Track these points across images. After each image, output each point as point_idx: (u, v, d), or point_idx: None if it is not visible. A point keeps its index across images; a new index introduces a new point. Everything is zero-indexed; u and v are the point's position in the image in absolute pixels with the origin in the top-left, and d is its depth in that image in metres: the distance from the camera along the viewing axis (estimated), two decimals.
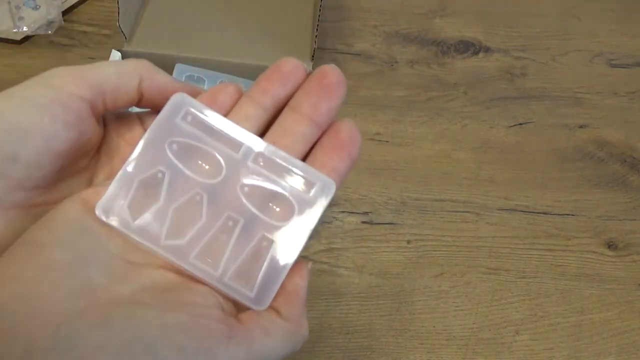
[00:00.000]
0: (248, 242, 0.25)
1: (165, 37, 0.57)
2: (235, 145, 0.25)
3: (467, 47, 0.74)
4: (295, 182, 0.25)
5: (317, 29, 0.55)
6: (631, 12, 0.81)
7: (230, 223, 0.24)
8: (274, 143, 0.26)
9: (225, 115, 0.26)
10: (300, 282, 0.26)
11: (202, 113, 0.25)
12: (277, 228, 0.25)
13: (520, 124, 0.66)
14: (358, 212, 0.56)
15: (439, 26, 0.76)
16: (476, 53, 0.73)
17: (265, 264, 0.25)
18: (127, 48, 0.55)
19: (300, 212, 0.25)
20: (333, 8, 0.76)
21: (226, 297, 0.25)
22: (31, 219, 0.24)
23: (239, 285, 0.24)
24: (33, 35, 0.66)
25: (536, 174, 0.61)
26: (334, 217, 0.56)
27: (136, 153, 0.25)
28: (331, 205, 0.56)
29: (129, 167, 0.25)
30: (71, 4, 0.70)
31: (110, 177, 0.25)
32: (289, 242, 0.25)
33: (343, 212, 0.56)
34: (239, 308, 0.25)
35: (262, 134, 0.26)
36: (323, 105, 0.26)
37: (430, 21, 0.77)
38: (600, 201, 0.60)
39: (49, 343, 0.20)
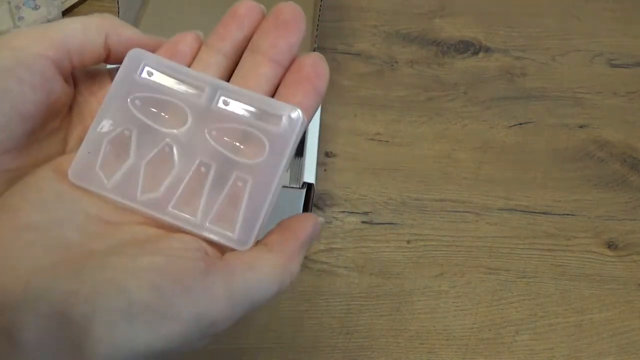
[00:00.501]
0: (224, 185, 0.24)
1: (165, 37, 0.57)
2: (197, 91, 0.25)
3: (467, 47, 0.74)
4: (262, 118, 0.25)
5: (317, 29, 0.55)
6: (631, 12, 0.81)
7: (203, 169, 0.24)
8: None
9: (188, 65, 0.26)
10: (302, 224, 0.26)
11: (161, 65, 0.25)
12: (251, 167, 0.24)
13: (520, 124, 0.66)
14: (358, 212, 0.56)
15: (439, 26, 0.76)
16: (476, 53, 0.73)
17: (244, 203, 0.24)
18: None
19: (272, 147, 0.24)
20: (333, 8, 0.76)
21: (211, 243, 0.24)
22: (5, 185, 0.24)
23: (220, 228, 0.24)
24: None
25: (536, 174, 0.61)
26: (334, 217, 0.56)
27: (100, 113, 0.25)
28: (331, 205, 0.56)
29: (95, 129, 0.25)
30: (71, 4, 0.70)
31: (84, 136, 0.25)
32: (264, 178, 0.24)
33: (343, 212, 0.56)
34: (225, 252, 0.25)
35: (226, 81, 0.26)
36: (282, 42, 0.26)
37: (430, 21, 0.77)
38: (600, 201, 0.60)
39: (20, 296, 0.20)
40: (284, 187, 0.46)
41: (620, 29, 0.79)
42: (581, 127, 0.67)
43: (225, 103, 0.25)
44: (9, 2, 0.66)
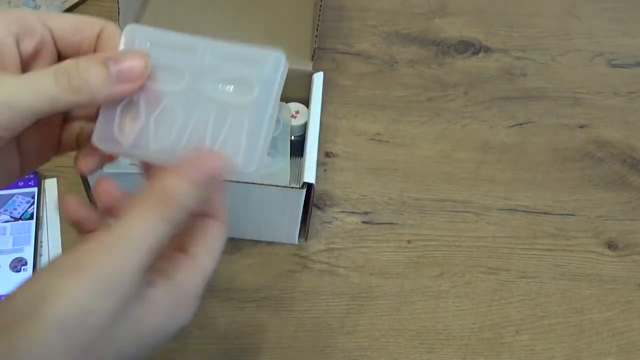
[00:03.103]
0: (224, 124, 0.28)
1: None
2: (188, 50, 0.28)
3: (467, 47, 0.74)
4: (249, 65, 0.28)
5: (317, 29, 0.55)
6: (631, 12, 0.81)
7: (204, 115, 0.28)
8: None
9: None
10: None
11: (153, 34, 0.28)
12: (245, 105, 0.28)
13: (520, 124, 0.66)
14: (358, 212, 0.56)
15: (439, 26, 0.76)
16: (476, 53, 0.73)
17: (244, 135, 0.28)
18: None
19: (262, 86, 0.28)
20: (333, 8, 0.76)
21: None
22: None
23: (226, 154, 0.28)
24: None
25: (536, 174, 0.61)
26: (334, 217, 0.56)
27: None
28: (331, 205, 0.56)
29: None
30: (71, 4, 0.70)
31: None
32: (258, 111, 0.28)
33: (343, 212, 0.56)
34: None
35: None
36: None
37: (430, 21, 0.77)
38: (600, 201, 0.60)
39: None
40: (284, 187, 0.46)
41: (620, 29, 0.79)
42: (581, 127, 0.67)
43: (215, 55, 0.28)
44: (9, 2, 0.66)
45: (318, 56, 0.57)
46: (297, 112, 0.58)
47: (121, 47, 0.28)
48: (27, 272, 0.48)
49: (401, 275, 0.52)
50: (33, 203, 0.52)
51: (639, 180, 0.62)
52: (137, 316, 0.24)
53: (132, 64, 0.27)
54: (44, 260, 0.49)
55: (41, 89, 0.25)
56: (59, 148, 0.31)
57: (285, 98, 0.58)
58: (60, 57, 0.29)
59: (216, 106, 0.28)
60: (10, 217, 0.51)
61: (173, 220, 0.25)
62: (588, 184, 0.61)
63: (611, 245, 0.56)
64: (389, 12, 0.77)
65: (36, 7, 0.66)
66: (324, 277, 0.51)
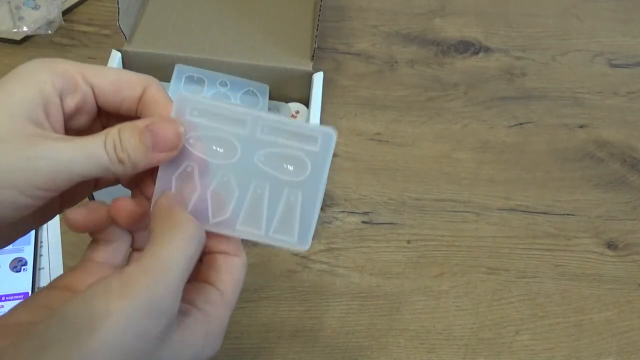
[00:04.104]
0: (278, 201, 0.29)
1: (165, 37, 0.57)
2: (241, 123, 0.28)
3: (467, 47, 0.74)
4: (300, 140, 0.28)
5: (317, 29, 0.55)
6: (631, 12, 0.81)
7: (259, 190, 0.29)
8: None
9: None
10: None
11: (204, 104, 0.28)
12: (299, 183, 0.29)
13: (520, 124, 0.66)
14: (358, 212, 0.56)
15: (439, 26, 0.76)
16: (476, 53, 0.73)
17: (298, 214, 0.29)
18: (127, 48, 0.55)
19: (313, 164, 0.29)
20: (333, 8, 0.76)
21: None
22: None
23: (283, 236, 0.29)
24: (33, 35, 0.66)
25: (536, 174, 0.61)
26: (334, 217, 0.56)
27: None
28: (331, 205, 0.56)
29: (163, 170, 0.29)
30: (71, 4, 0.70)
31: None
32: (311, 191, 0.29)
33: (343, 212, 0.56)
34: None
35: None
36: None
37: (430, 21, 0.77)
38: (600, 201, 0.60)
39: None
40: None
41: (620, 29, 0.79)
42: (581, 127, 0.67)
43: (267, 130, 0.28)
44: (9, 2, 0.66)
45: (318, 56, 0.57)
46: (297, 112, 0.58)
47: (172, 113, 0.28)
48: (27, 272, 0.48)
49: (401, 275, 0.52)
50: None
51: (639, 180, 0.62)
52: (178, 341, 0.25)
53: (166, 134, 0.27)
54: (43, 260, 0.49)
55: (95, 158, 0.26)
56: (96, 186, 0.32)
57: (285, 98, 0.58)
58: (100, 112, 0.30)
59: (270, 182, 0.29)
60: None
61: (202, 238, 0.26)
62: (588, 184, 0.61)
63: (611, 245, 0.57)
64: (389, 12, 0.77)
65: (36, 7, 0.66)
66: (324, 277, 0.51)
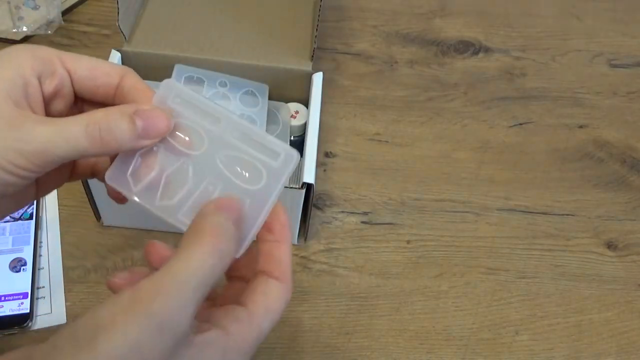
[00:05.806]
0: None
1: (165, 37, 0.57)
2: (216, 121, 0.29)
3: (467, 47, 0.74)
4: (264, 152, 0.29)
5: (317, 29, 0.55)
6: (631, 12, 0.81)
7: (211, 187, 0.29)
8: None
9: None
10: None
11: (187, 94, 0.29)
12: (250, 192, 0.29)
13: (520, 124, 0.66)
14: (358, 212, 0.56)
15: (439, 26, 0.76)
16: (476, 53, 0.73)
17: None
18: (126, 48, 0.55)
19: (269, 177, 0.29)
20: (333, 8, 0.76)
21: None
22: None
23: None
24: (33, 35, 0.66)
25: (536, 174, 0.61)
26: (334, 217, 0.56)
27: None
28: (331, 205, 0.56)
29: None
30: (71, 4, 0.70)
31: None
32: (259, 202, 0.29)
33: (343, 212, 0.56)
34: None
35: None
36: None
37: (430, 21, 0.77)
38: (600, 201, 0.60)
39: None
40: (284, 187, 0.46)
41: (620, 29, 0.79)
42: (581, 127, 0.67)
43: (236, 135, 0.29)
44: (8, 2, 0.66)
45: (318, 56, 0.57)
46: (297, 112, 0.58)
47: (154, 100, 0.29)
48: (27, 272, 0.48)
49: (400, 276, 0.52)
50: (32, 203, 0.52)
51: (639, 180, 0.62)
52: (188, 358, 0.25)
53: (157, 122, 0.28)
54: (43, 260, 0.49)
55: (73, 141, 0.26)
56: (72, 176, 0.33)
57: (285, 98, 0.58)
58: (76, 99, 0.30)
59: (223, 182, 0.29)
60: (10, 217, 0.51)
61: (223, 254, 0.25)
62: (588, 184, 0.61)
63: (611, 246, 0.56)
64: (389, 12, 0.77)
65: (36, 8, 0.66)
66: (324, 277, 0.51)
